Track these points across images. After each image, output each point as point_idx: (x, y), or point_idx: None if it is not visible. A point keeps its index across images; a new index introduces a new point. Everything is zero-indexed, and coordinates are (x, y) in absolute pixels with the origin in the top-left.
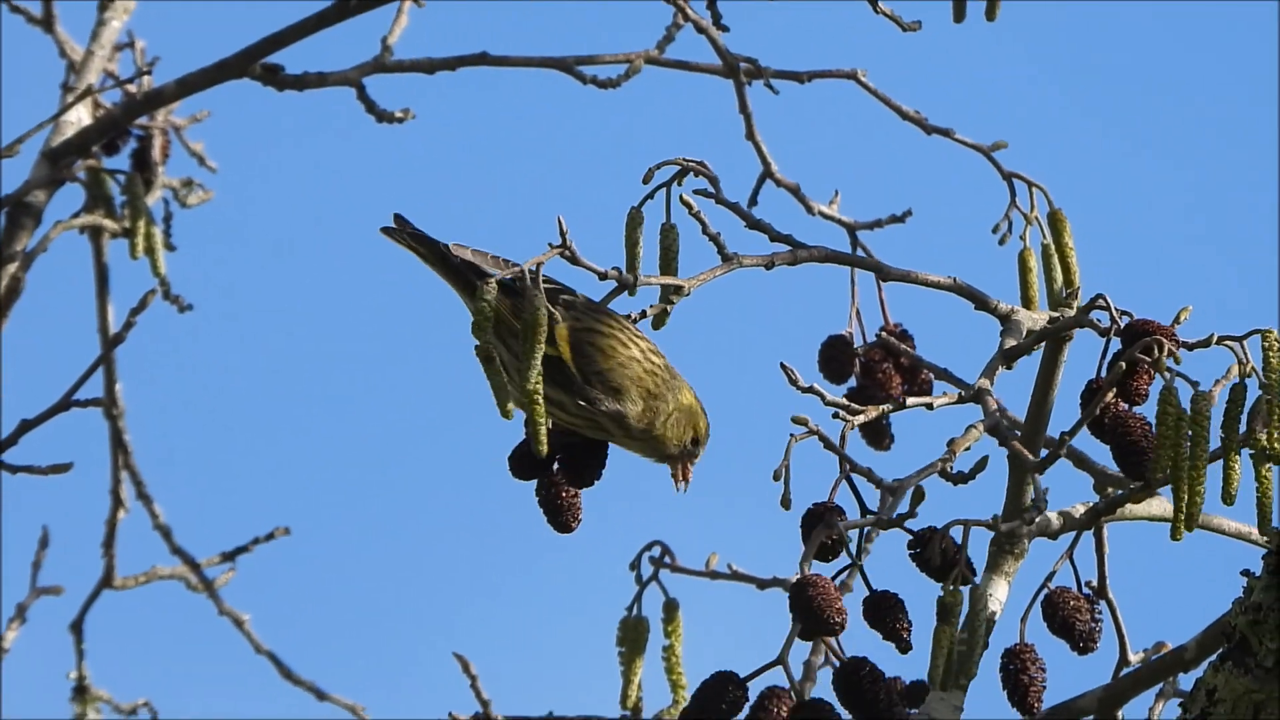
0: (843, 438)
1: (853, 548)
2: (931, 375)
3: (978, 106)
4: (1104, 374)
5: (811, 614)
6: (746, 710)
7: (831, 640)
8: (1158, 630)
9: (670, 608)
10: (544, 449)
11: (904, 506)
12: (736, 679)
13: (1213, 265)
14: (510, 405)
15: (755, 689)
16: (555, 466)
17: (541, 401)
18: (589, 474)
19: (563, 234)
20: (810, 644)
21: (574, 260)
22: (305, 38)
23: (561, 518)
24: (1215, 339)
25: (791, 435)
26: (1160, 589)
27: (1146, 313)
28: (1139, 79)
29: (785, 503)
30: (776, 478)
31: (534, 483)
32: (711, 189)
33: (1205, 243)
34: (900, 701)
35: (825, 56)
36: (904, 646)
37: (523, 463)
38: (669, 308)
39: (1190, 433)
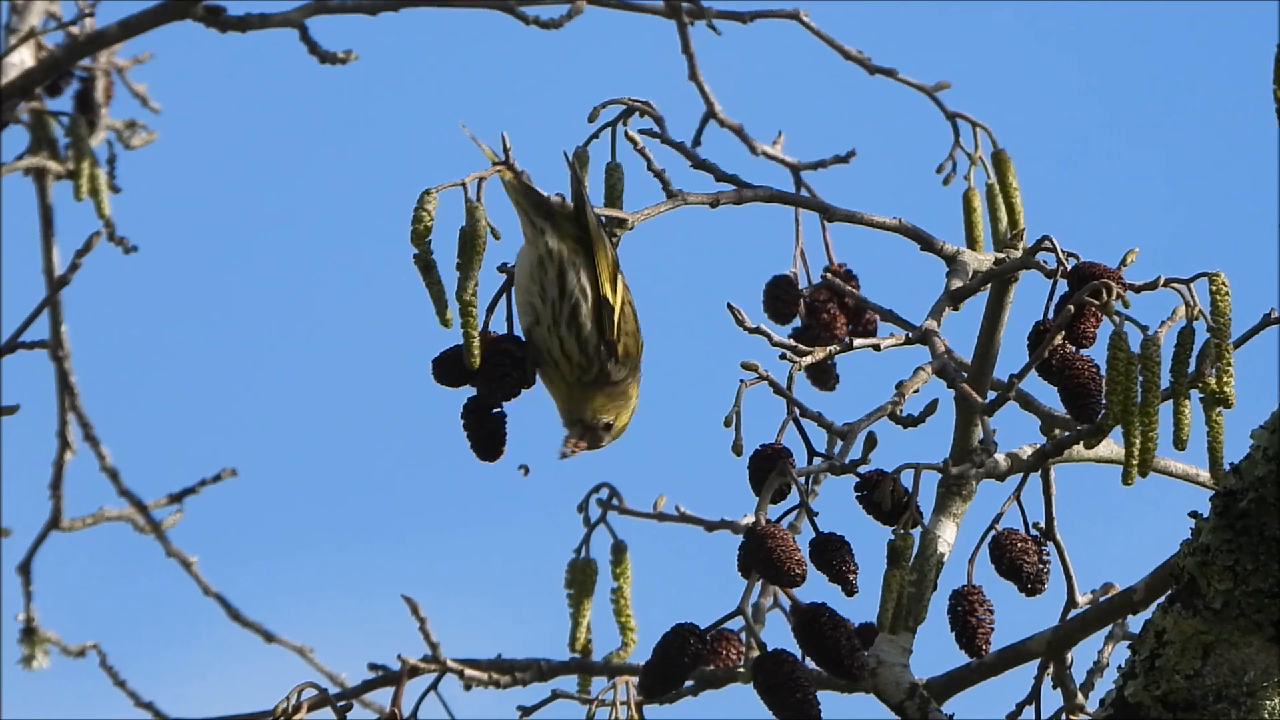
0: (790, 379)
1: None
2: (877, 316)
3: (921, 47)
4: (1051, 316)
5: (771, 566)
6: None
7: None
8: (1105, 572)
9: (618, 550)
10: (476, 361)
11: (856, 451)
12: (697, 630)
13: (1157, 206)
14: (449, 314)
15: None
16: (479, 382)
17: (475, 314)
18: (510, 388)
19: (506, 150)
20: (759, 585)
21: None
22: None
23: (485, 447)
24: (1162, 281)
25: (741, 381)
26: (1108, 530)
27: (1092, 254)
28: (1083, 17)
29: (737, 449)
30: (727, 424)
31: (462, 408)
32: (657, 128)
33: (1150, 183)
34: (859, 646)
35: None
36: (850, 590)
37: (447, 367)
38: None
39: (1141, 378)
